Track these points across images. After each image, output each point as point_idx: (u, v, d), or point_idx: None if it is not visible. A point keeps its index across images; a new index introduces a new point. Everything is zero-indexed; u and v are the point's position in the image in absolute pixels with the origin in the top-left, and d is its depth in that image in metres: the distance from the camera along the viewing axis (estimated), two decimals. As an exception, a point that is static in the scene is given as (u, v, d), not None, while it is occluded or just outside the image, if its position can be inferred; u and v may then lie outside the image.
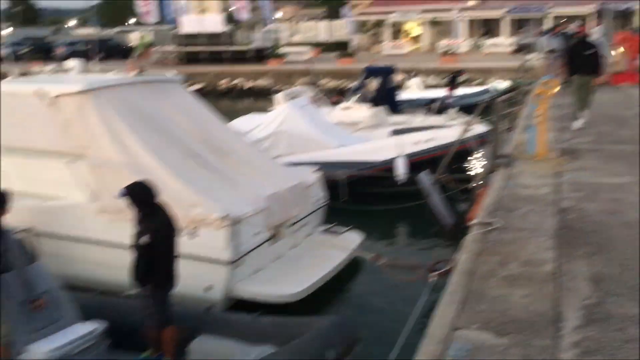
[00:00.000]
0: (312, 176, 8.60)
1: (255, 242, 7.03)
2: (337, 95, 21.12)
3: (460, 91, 21.78)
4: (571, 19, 39.74)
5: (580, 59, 10.54)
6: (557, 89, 11.33)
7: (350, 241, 8.22)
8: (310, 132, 11.59)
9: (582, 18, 39.01)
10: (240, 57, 36.22)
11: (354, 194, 10.50)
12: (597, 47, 10.99)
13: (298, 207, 7.88)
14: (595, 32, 16.62)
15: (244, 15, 35.59)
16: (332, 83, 29.87)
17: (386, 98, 16.30)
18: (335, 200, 9.48)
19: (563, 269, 4.56)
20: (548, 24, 40.79)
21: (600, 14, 39.23)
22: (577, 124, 10.60)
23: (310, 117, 12.00)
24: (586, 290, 4.16)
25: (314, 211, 8.37)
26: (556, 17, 42.48)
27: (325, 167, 10.33)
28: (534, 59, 24.60)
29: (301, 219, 7.99)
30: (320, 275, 7.08)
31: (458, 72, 22.13)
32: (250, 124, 12.57)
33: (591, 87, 10.70)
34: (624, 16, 40.92)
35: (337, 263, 7.46)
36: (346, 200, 9.85)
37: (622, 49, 18.74)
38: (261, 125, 12.10)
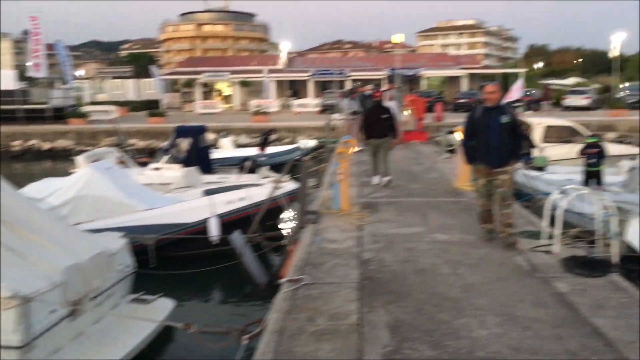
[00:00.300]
0: (117, 242, 8.11)
1: (51, 320, 6.35)
2: (145, 156, 20.49)
3: (271, 150, 22.51)
4: (367, 82, 43.70)
5: (376, 123, 11.07)
6: (357, 148, 12.29)
7: (160, 309, 7.83)
8: (116, 196, 11.00)
9: (377, 82, 43.06)
10: (36, 117, 33.62)
11: (166, 258, 10.13)
12: (392, 110, 11.76)
13: (101, 277, 7.34)
14: (389, 96, 18.30)
15: (41, 72, 33.26)
16: (141, 143, 28.95)
17: (198, 158, 16.19)
18: (144, 266, 9.04)
19: (365, 319, 4.80)
20: (348, 86, 44.27)
21: (391, 79, 43.64)
22: (376, 180, 11.39)
23: (116, 180, 11.40)
24: (386, 338, 4.41)
25: (119, 280, 7.85)
26: (354, 80, 46.33)
27: (133, 231, 9.87)
28: (337, 119, 26.44)
29: (105, 290, 7.44)
30: (126, 350, 6.61)
31: (269, 132, 22.93)
32: (47, 189, 11.58)
33: (387, 149, 11.33)
34: (411, 81, 46.03)
35: (145, 336, 7.04)
36: (156, 266, 9.42)
37: (410, 110, 20.97)
38: (60, 190, 11.21)
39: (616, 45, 38.83)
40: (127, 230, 9.80)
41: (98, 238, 8.15)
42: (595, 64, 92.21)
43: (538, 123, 17.69)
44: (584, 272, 5.88)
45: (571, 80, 57.72)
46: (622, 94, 38.00)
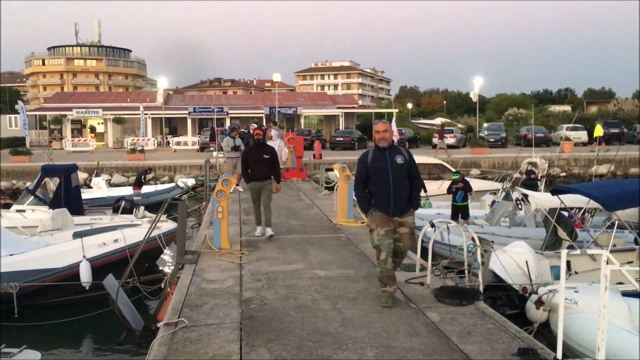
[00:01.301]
0: (-26, 293, 7.42)
1: None
2: (6, 198, 19.03)
3: (148, 189, 21.83)
4: (247, 120, 43.94)
5: (257, 164, 9.95)
6: (239, 187, 12.26)
7: (25, 363, 7.22)
8: (-27, 241, 10.08)
9: (256, 120, 43.42)
10: None
11: (32, 307, 9.39)
12: (273, 150, 10.51)
13: (-45, 332, 6.67)
14: (274, 134, 18.37)
15: None
16: (4, 183, 26.84)
17: (68, 198, 15.30)
18: (6, 316, 8.32)
19: (246, 359, 4.75)
20: (227, 123, 44.15)
21: (270, 117, 44.20)
22: (259, 231, 10.17)
23: (-27, 224, 10.48)
24: (267, 378, 4.40)
25: (-23, 334, 7.17)
26: (233, 118, 46.36)
27: (-7, 279, 9.10)
28: (217, 156, 26.25)
29: (-40, 346, 6.75)
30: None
31: (145, 171, 22.25)
32: None
33: (269, 193, 10.04)
34: (291, 119, 46.94)
35: (7, 393, 6.45)
36: (20, 315, 8.71)
37: (290, 148, 21.34)
38: None
39: (475, 89, 42.26)
40: (-13, 279, 9.04)
41: (-49, 289, 7.42)
42: (459, 105, 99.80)
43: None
44: (453, 301, 6.26)
45: (438, 120, 61.86)
46: (485, 132, 41.25)
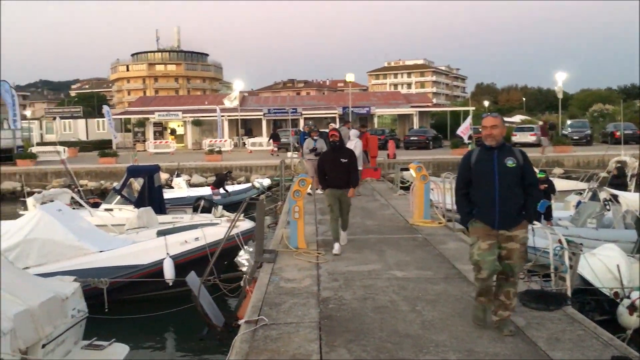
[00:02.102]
0: (69, 286, 7.83)
1: (-2, 370, 6.06)
2: (95, 197, 20.04)
3: (226, 189, 22.37)
4: (319, 120, 44.20)
5: (335, 170, 8.94)
6: (313, 186, 12.33)
7: (114, 356, 7.57)
8: (67, 238, 10.68)
9: (329, 120, 43.60)
10: (-18, 158, 32.56)
11: (119, 302, 9.83)
12: (352, 153, 9.46)
13: (53, 323, 7.07)
14: (351, 135, 17.49)
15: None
16: (92, 183, 28.31)
17: (151, 198, 15.95)
18: (97, 310, 8.74)
19: (326, 358, 4.76)
20: (301, 124, 44.62)
21: (343, 117, 44.27)
22: (337, 248, 8.83)
23: (67, 222, 11.08)
24: (348, 378, 4.38)
25: (72, 326, 7.57)
26: (306, 119, 46.77)
27: (85, 274, 9.58)
28: (292, 157, 26.56)
29: (57, 337, 7.16)
30: (79, 399, 6.33)
31: (225, 175, 22.84)
32: (-7, 232, 11.15)
33: (348, 202, 9.22)
34: (364, 119, 46.82)
35: (99, 383, 6.77)
36: (109, 310, 9.13)
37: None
38: (7, 233, 10.80)
39: (559, 84, 40.57)
40: (80, 274, 9.51)
41: (49, 282, 7.87)
42: (539, 101, 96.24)
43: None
44: (539, 305, 6.02)
45: (517, 118, 59.85)
46: (569, 130, 39.57)
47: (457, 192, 5.55)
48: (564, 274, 6.59)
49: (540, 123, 39.51)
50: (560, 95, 40.67)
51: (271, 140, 39.68)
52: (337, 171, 8.98)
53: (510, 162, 5.19)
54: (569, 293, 6.43)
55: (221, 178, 22.13)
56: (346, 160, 9.07)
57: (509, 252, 5.20)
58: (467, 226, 5.44)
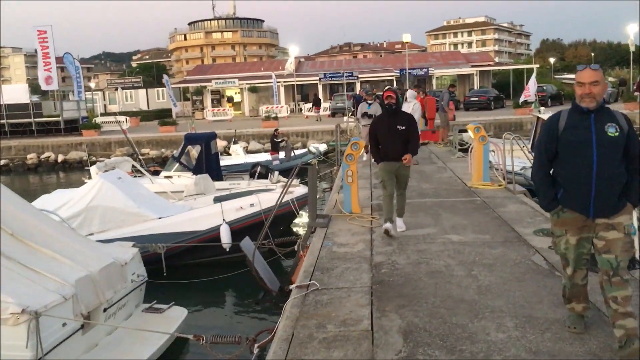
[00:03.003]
0: (128, 252, 8.05)
1: (63, 334, 6.30)
2: (156, 165, 20.54)
3: (282, 154, 22.45)
4: (377, 83, 43.50)
5: (390, 138, 7.60)
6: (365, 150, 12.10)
7: (173, 318, 7.76)
8: (127, 205, 10.97)
9: (387, 83, 42.84)
10: (50, 129, 33.96)
11: (177, 267, 10.07)
12: (411, 118, 7.99)
13: (113, 288, 7.28)
14: (409, 95, 16.12)
15: (53, 84, 33.53)
16: (153, 152, 29.06)
17: (208, 165, 16.17)
18: (156, 275, 8.98)
19: (377, 324, 4.66)
20: (357, 87, 44.10)
21: (400, 79, 43.41)
22: (389, 226, 7.59)
23: (127, 190, 11.38)
24: (398, 344, 4.27)
25: (132, 290, 7.79)
26: (363, 82, 46.16)
27: (144, 241, 9.85)
28: (348, 121, 26.30)
29: (118, 301, 7.39)
30: (140, 361, 6.53)
31: (275, 132, 22.74)
32: (59, 200, 11.59)
33: (405, 176, 7.87)
34: (422, 80, 45.80)
35: (159, 346, 6.95)
36: (168, 274, 9.36)
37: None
38: (71, 201, 11.21)
39: (631, 37, 38.25)
40: (139, 240, 9.78)
41: (109, 248, 8.11)
42: (609, 56, 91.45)
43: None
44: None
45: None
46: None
47: (537, 169, 4.27)
48: (632, 236, 6.19)
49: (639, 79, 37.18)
50: (632, 48, 38.30)
51: (313, 107, 39.81)
52: (393, 140, 7.57)
53: (612, 130, 3.95)
54: (637, 256, 6.04)
55: (272, 140, 22.15)
56: (404, 127, 7.58)
57: (608, 243, 3.98)
58: (551, 213, 4.27)
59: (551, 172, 4.25)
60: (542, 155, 4.21)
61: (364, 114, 14.29)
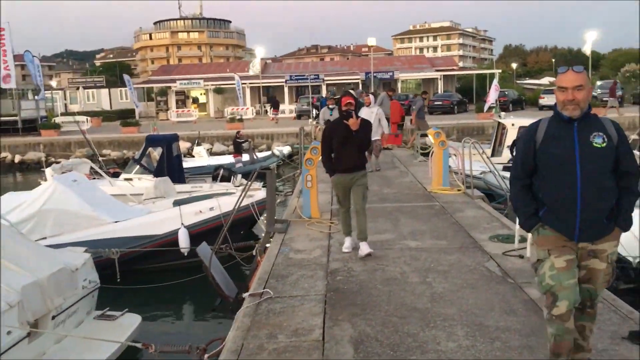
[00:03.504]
0: (80, 258, 7.83)
1: (7, 342, 6.06)
2: (115, 167, 20.14)
3: (245, 157, 22.26)
4: (342, 86, 43.59)
5: (345, 147, 6.81)
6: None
7: (126, 326, 7.57)
8: (82, 209, 10.68)
9: (352, 86, 43.00)
10: (7, 128, 33.01)
11: (132, 272, 9.84)
12: (368, 125, 7.08)
13: (63, 295, 7.06)
14: (372, 103, 15.85)
15: (11, 83, 32.59)
16: (115, 153, 28.50)
17: (170, 167, 15.88)
18: (110, 281, 8.76)
19: (329, 334, 4.60)
20: (324, 90, 44.14)
21: (365, 82, 43.62)
22: (347, 244, 7.14)
23: (82, 192, 11.08)
24: (349, 354, 4.21)
25: (83, 297, 7.57)
26: (329, 85, 46.23)
27: (98, 245, 9.62)
28: (313, 124, 26.24)
29: (67, 308, 7.16)
30: (88, 371, 6.33)
31: (237, 135, 22.50)
32: (11, 203, 11.20)
33: (363, 188, 6.92)
34: (387, 84, 46.08)
35: (109, 355, 6.76)
36: (122, 280, 9.14)
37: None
38: (24, 204, 10.86)
39: (588, 44, 39.21)
40: (94, 244, 9.55)
41: (60, 254, 7.86)
42: (569, 62, 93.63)
43: (511, 124, 17.69)
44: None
45: (546, 80, 58.33)
46: (599, 91, 38.42)
47: (514, 182, 3.76)
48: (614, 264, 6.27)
49: (612, 81, 37.75)
50: (588, 54, 39.29)
51: (271, 109, 39.78)
52: (348, 148, 6.77)
53: (598, 141, 3.43)
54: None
55: (235, 142, 21.90)
56: (360, 134, 6.81)
57: (590, 273, 3.56)
58: (530, 232, 3.73)
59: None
60: (518, 168, 3.72)
61: (328, 121, 13.98)
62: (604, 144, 3.43)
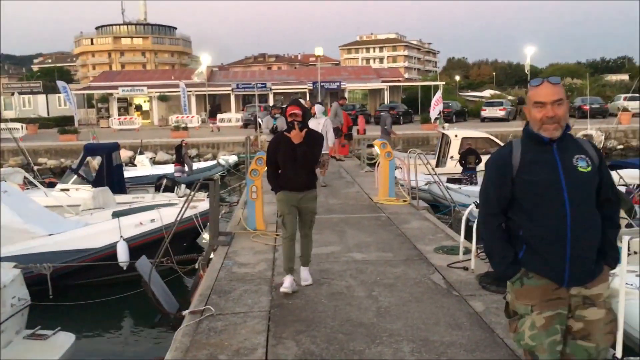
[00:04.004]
0: (8, 274, 7.33)
1: None
2: (51, 177, 19.33)
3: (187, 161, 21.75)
4: (290, 95, 43.51)
5: (293, 164, 5.93)
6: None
7: (59, 345, 7.13)
8: (12, 221, 10.07)
9: (299, 95, 42.99)
10: None
11: (67, 287, 9.37)
12: (319, 138, 6.23)
13: (-12, 314, 6.61)
14: (317, 110, 13.39)
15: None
16: (52, 162, 27.40)
17: (110, 177, 15.34)
18: (42, 297, 8.28)
19: (272, 353, 4.43)
20: (271, 99, 43.96)
21: (313, 92, 43.70)
22: (287, 283, 5.98)
23: (12, 204, 10.45)
24: (293, 375, 4.06)
25: (11, 315, 7.11)
26: (276, 94, 46.08)
27: (30, 259, 9.10)
28: (259, 133, 26.00)
29: (-6, 328, 6.70)
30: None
31: (180, 144, 21.90)
32: None
33: (311, 211, 6.23)
34: (334, 94, 46.33)
35: (39, 377, 6.36)
36: (56, 296, 8.67)
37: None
38: (-53, 217, 10.18)
39: (527, 58, 40.59)
40: (25, 259, 9.02)
41: (-14, 270, 7.37)
42: (509, 76, 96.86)
43: (455, 135, 18.01)
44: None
45: (487, 92, 59.99)
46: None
47: (487, 220, 3.13)
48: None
49: None
50: (527, 69, 40.65)
51: (209, 118, 39.59)
52: (295, 164, 5.93)
53: (582, 165, 2.96)
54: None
55: (177, 150, 21.31)
56: (309, 150, 5.94)
57: (587, 325, 2.96)
58: (511, 281, 3.07)
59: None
60: (491, 203, 3.09)
61: (273, 130, 13.85)
62: (589, 168, 2.96)
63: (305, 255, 6.27)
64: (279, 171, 6.10)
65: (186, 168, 21.13)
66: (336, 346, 4.53)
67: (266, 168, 6.43)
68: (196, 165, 23.38)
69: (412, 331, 4.78)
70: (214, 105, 42.22)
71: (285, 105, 5.37)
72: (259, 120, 25.45)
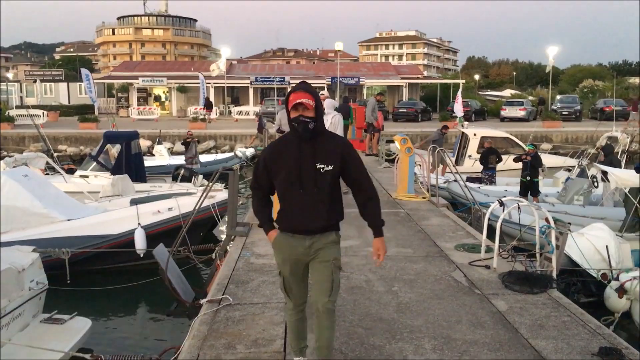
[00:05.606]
0: (27, 257, 7.36)
1: (-58, 347, 5.64)
2: (70, 163, 19.45)
3: (207, 157, 21.81)
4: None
5: (298, 191, 3.62)
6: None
7: (75, 331, 7.15)
8: (32, 205, 10.15)
9: (318, 90, 42.73)
10: (-42, 120, 31.68)
11: (84, 273, 9.39)
12: (345, 148, 3.91)
13: (7, 296, 6.63)
14: (327, 105, 13.80)
15: (-36, 72, 31.33)
16: (72, 149, 27.59)
17: (129, 165, 15.39)
18: (59, 282, 8.30)
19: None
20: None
21: (331, 87, 43.55)
22: None
23: (33, 188, 10.53)
24: (312, 368, 3.98)
25: (29, 299, 7.13)
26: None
27: (49, 244, 9.12)
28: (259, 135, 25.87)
29: (12, 310, 6.72)
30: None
31: (188, 137, 21.67)
32: (-45, 198, 10.59)
33: (327, 264, 4.08)
34: (353, 89, 46.16)
35: (55, 360, 6.36)
36: (74, 281, 8.69)
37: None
38: (-31, 199, 10.25)
39: (550, 58, 39.99)
40: (44, 243, 9.06)
41: (5, 253, 7.38)
42: (529, 76, 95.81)
43: (474, 134, 17.81)
44: (523, 288, 5.64)
45: (507, 92, 59.40)
46: (558, 105, 39.23)
47: None
48: (550, 254, 6.22)
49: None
50: (549, 69, 40.09)
51: (205, 109, 39.25)
52: (305, 190, 3.67)
53: None
54: (554, 275, 6.06)
55: (186, 145, 21.17)
56: (331, 167, 3.71)
57: None
58: None
59: None
60: None
61: (278, 130, 11.45)
62: None
63: (322, 347, 3.76)
64: (272, 197, 3.88)
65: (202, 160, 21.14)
66: (356, 340, 4.45)
67: (252, 193, 3.99)
68: (213, 157, 23.41)
69: (434, 328, 4.69)
70: (207, 98, 41.64)
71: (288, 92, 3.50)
72: (264, 120, 25.39)
